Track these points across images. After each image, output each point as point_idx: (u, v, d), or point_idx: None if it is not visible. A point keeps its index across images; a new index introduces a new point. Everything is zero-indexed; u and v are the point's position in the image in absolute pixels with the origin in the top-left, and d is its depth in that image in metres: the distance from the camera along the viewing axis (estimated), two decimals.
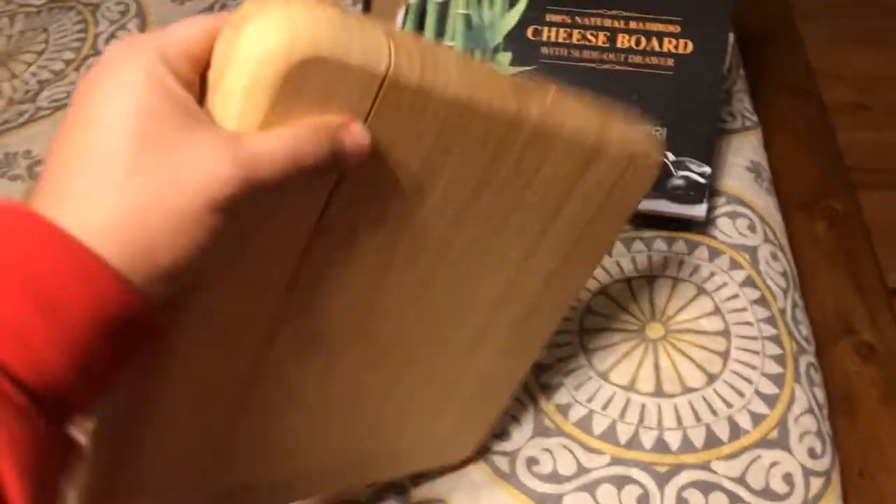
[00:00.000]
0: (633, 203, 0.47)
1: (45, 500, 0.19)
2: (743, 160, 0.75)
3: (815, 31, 1.29)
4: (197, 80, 0.25)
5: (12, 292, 0.19)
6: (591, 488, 0.55)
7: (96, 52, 0.94)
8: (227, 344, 0.31)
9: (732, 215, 0.70)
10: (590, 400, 0.59)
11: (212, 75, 0.25)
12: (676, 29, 0.66)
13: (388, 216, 0.32)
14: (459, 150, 0.32)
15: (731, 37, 0.67)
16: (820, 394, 0.61)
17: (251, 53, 0.24)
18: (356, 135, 0.26)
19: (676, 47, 0.66)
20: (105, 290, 0.21)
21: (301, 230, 0.29)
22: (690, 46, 0.66)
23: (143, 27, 0.97)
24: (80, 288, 0.20)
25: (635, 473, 0.55)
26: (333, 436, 0.41)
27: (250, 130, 0.24)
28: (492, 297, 0.43)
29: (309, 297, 0.32)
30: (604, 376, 0.60)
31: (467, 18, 0.70)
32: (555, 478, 0.56)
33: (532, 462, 0.56)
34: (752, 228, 0.70)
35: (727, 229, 0.69)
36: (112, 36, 0.96)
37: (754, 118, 0.81)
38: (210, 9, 0.97)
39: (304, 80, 0.24)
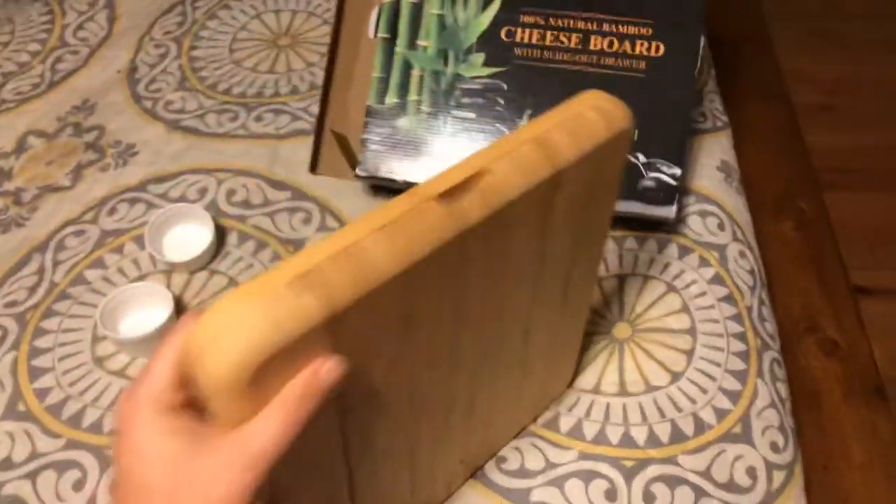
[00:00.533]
0: (615, 174, 0.47)
1: None
2: (713, 160, 0.76)
3: (784, 35, 1.31)
4: (190, 392, 0.29)
5: None
6: (559, 483, 0.56)
7: (63, 44, 0.93)
8: None
9: (702, 214, 0.72)
10: (556, 404, 0.60)
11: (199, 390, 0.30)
12: (648, 32, 0.67)
13: (393, 376, 0.39)
14: (426, 294, 0.37)
15: (703, 40, 0.68)
16: (783, 389, 0.63)
17: (216, 384, 0.29)
18: (329, 372, 0.30)
19: (649, 50, 0.67)
20: None
21: (328, 436, 0.37)
22: (662, 49, 0.67)
23: (111, 19, 0.96)
24: None
25: (603, 468, 0.56)
26: (458, 449, 0.51)
27: (247, 414, 0.29)
28: (522, 309, 0.46)
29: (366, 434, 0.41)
30: (570, 384, 0.61)
31: (441, 19, 0.70)
32: (523, 473, 0.56)
33: (501, 460, 0.57)
34: (721, 227, 0.71)
35: (697, 227, 0.70)
36: (80, 27, 0.95)
37: (725, 118, 0.83)
38: (181, 2, 0.96)
39: (267, 372, 0.29)
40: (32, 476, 0.56)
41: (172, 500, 0.26)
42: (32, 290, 0.68)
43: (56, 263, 0.70)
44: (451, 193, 0.36)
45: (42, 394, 0.61)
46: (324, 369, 0.30)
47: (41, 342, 0.64)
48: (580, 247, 0.47)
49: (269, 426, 0.28)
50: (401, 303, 0.35)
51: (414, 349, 0.39)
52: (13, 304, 0.67)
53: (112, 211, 0.74)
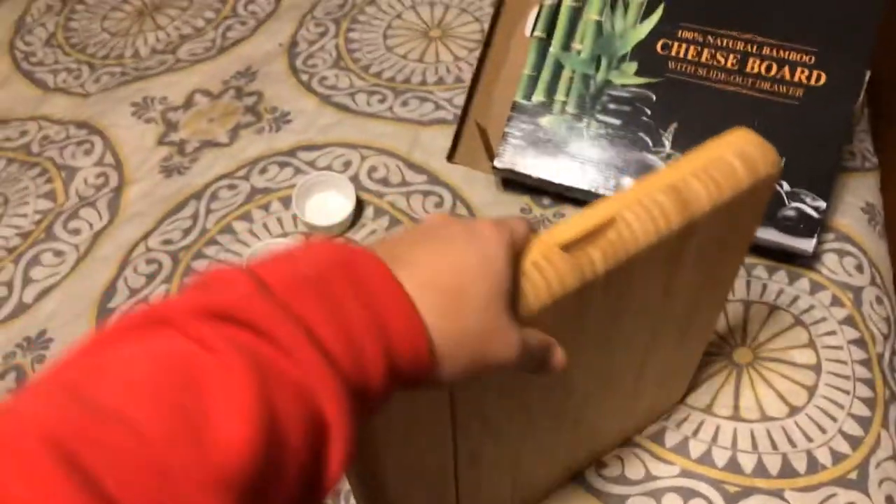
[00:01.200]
0: (753, 220, 0.45)
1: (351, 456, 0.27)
2: (858, 200, 0.74)
3: None
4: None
5: (368, 326, 0.28)
6: (657, 495, 0.56)
7: (235, 15, 1.00)
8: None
9: (841, 253, 0.69)
10: (665, 418, 0.60)
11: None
12: (811, 59, 0.66)
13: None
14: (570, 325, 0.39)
15: (868, 74, 0.66)
16: None
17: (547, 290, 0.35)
18: (560, 357, 0.36)
19: (808, 78, 0.66)
20: (422, 358, 0.29)
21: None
22: (823, 79, 0.66)
23: None
24: (406, 337, 0.29)
25: (703, 488, 0.56)
26: (562, 459, 0.54)
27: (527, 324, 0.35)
28: (639, 347, 0.47)
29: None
30: (682, 399, 0.61)
31: (599, 25, 0.71)
32: (622, 480, 0.57)
33: (601, 465, 0.58)
34: (859, 269, 0.68)
35: (833, 266, 0.68)
36: (250, 1, 1.02)
37: (875, 160, 0.79)
38: None
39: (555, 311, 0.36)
40: None
41: (478, 310, 0.31)
42: (187, 232, 0.74)
43: (209, 212, 0.76)
44: (578, 243, 0.36)
45: None
46: (558, 354, 0.36)
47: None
48: (706, 291, 0.46)
49: (532, 340, 0.34)
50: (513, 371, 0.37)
51: (526, 380, 0.40)
52: (169, 242, 0.73)
53: (263, 171, 0.79)
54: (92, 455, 0.21)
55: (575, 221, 0.36)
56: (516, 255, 0.34)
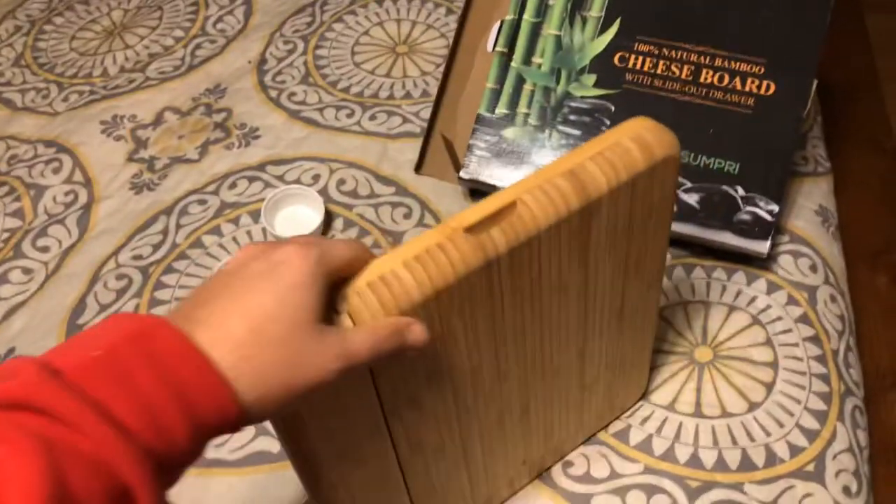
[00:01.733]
0: (664, 200, 0.47)
1: None
2: (812, 203, 0.76)
3: (894, 93, 1.29)
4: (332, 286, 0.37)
5: (164, 395, 0.29)
6: (621, 493, 0.57)
7: (204, 33, 1.01)
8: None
9: (795, 254, 0.72)
10: (629, 416, 0.61)
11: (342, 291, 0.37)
12: (761, 70, 0.69)
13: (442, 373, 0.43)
14: (458, 315, 0.41)
15: (815, 83, 0.68)
16: (863, 437, 0.62)
17: (364, 305, 0.37)
18: (418, 333, 0.37)
19: (759, 88, 0.69)
20: (227, 408, 0.31)
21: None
22: (773, 88, 0.68)
23: (248, 14, 1.04)
24: (209, 400, 0.30)
25: (667, 484, 0.57)
26: (518, 452, 0.55)
27: (350, 322, 0.36)
28: (571, 328, 0.49)
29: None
30: (645, 396, 0.62)
31: (558, 39, 0.73)
32: (587, 479, 0.58)
33: (567, 464, 0.59)
34: (813, 269, 0.71)
35: (788, 267, 0.71)
36: (219, 19, 1.03)
37: (827, 164, 0.82)
38: (311, 4, 1.03)
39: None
40: None
41: (282, 341, 0.32)
42: (157, 247, 0.75)
43: (179, 227, 0.77)
44: (480, 226, 0.39)
45: None
46: (416, 328, 0.37)
47: (161, 294, 0.70)
48: (632, 272, 0.49)
49: (364, 340, 0.35)
50: (434, 323, 0.39)
51: (450, 363, 0.42)
52: (139, 257, 0.74)
53: (232, 185, 0.80)
54: None
55: (478, 206, 0.39)
56: (326, 272, 0.35)
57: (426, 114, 0.86)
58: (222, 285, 0.33)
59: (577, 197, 0.41)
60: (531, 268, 0.42)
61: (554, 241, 0.41)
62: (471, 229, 0.39)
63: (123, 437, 0.27)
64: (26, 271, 0.74)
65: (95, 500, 0.26)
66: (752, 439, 0.60)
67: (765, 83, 0.69)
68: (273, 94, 0.91)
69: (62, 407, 0.27)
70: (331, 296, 0.36)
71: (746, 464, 0.58)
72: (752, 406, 0.61)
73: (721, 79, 0.70)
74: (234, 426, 0.31)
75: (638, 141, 0.43)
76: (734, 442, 0.59)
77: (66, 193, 0.82)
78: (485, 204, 0.40)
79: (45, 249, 0.76)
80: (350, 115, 0.88)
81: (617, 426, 0.61)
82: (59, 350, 0.30)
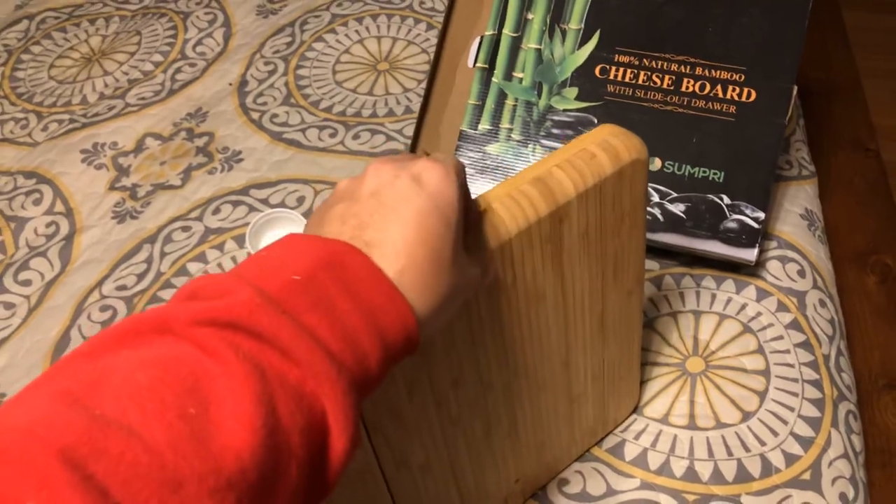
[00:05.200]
0: (634, 204, 0.47)
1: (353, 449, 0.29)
2: (797, 208, 0.76)
3: (877, 91, 1.29)
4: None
5: (362, 322, 0.30)
6: None
7: (184, 57, 1.00)
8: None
9: (783, 259, 0.72)
10: (623, 430, 0.61)
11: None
12: (741, 78, 0.69)
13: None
14: None
15: (795, 89, 0.69)
16: (858, 442, 0.62)
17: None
18: (493, 273, 0.41)
19: (740, 95, 0.69)
20: (412, 334, 0.31)
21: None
22: (753, 95, 0.68)
23: (227, 36, 1.03)
24: (398, 326, 0.31)
25: (663, 499, 0.57)
26: (509, 469, 0.54)
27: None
28: (552, 337, 0.49)
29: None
30: (638, 410, 0.62)
31: (538, 53, 0.73)
32: (583, 497, 0.57)
33: (563, 482, 0.58)
34: (801, 274, 0.71)
35: (777, 272, 0.71)
36: (199, 42, 1.03)
37: (811, 168, 0.83)
38: (291, 24, 1.03)
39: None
40: None
41: (449, 262, 0.33)
42: (141, 276, 0.74)
43: (163, 255, 0.76)
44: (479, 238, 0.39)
45: None
46: (492, 270, 0.40)
47: None
48: (610, 278, 0.49)
49: (476, 269, 0.37)
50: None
51: (430, 373, 0.42)
52: (123, 287, 0.73)
53: (216, 210, 0.80)
54: (102, 467, 0.21)
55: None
56: (463, 188, 0.35)
57: (410, 131, 0.86)
58: (377, 204, 0.33)
59: (546, 203, 0.41)
60: (505, 275, 0.42)
61: (526, 248, 0.42)
62: None
63: (334, 366, 0.27)
64: (8, 306, 0.73)
65: (297, 432, 0.26)
66: (747, 449, 0.59)
67: (745, 90, 0.69)
68: (255, 116, 0.91)
69: (279, 332, 0.27)
70: None
71: (743, 475, 0.58)
72: (746, 416, 0.61)
73: (702, 87, 0.70)
74: (413, 350, 0.32)
75: (604, 146, 0.43)
76: (729, 453, 0.59)
77: (48, 225, 0.81)
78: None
79: (26, 283, 0.75)
80: (333, 135, 0.87)
81: (611, 441, 0.60)
82: (255, 270, 0.29)
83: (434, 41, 0.97)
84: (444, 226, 0.33)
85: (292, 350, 0.27)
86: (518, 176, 0.42)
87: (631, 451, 0.60)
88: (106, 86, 0.98)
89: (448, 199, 0.33)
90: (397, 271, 0.31)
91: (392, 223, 0.32)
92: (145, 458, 0.22)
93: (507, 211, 0.41)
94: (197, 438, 0.23)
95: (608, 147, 0.43)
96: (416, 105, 0.89)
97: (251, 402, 0.25)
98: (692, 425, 0.61)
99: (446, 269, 0.33)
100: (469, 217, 0.37)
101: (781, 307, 0.68)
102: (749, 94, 0.69)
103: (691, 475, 0.58)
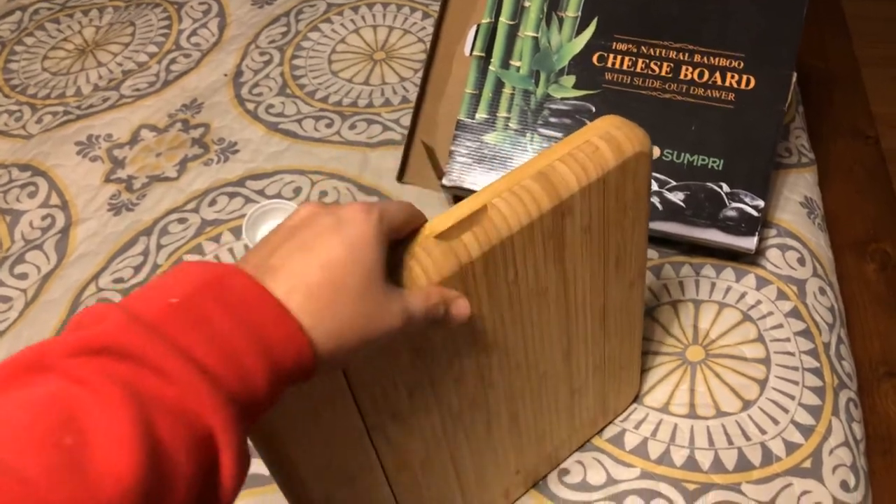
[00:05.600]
0: (637, 196, 0.46)
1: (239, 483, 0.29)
2: (797, 195, 0.76)
3: (876, 79, 1.29)
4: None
5: (244, 340, 0.29)
6: (619, 499, 0.56)
7: (178, 48, 1.00)
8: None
9: (783, 247, 0.71)
10: (623, 420, 0.61)
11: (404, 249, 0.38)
12: (740, 65, 0.68)
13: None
14: None
15: (794, 76, 0.68)
16: (858, 429, 0.62)
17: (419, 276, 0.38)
18: (462, 307, 0.39)
19: (739, 82, 0.68)
20: (304, 355, 0.31)
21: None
22: (753, 82, 0.68)
23: (222, 27, 1.02)
24: (287, 344, 0.30)
25: (664, 488, 0.57)
26: (510, 461, 0.54)
27: (408, 285, 0.37)
28: (553, 331, 0.48)
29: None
30: (639, 399, 0.62)
31: (535, 41, 0.72)
32: (584, 487, 0.57)
33: (563, 472, 0.58)
34: (801, 262, 0.71)
35: (777, 261, 0.70)
36: (193, 33, 1.02)
37: (811, 155, 0.82)
38: (286, 14, 1.02)
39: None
40: None
41: (357, 295, 0.33)
42: (137, 269, 0.73)
43: (160, 247, 0.75)
44: (451, 231, 0.38)
45: None
46: (461, 303, 0.39)
47: None
48: (612, 270, 0.48)
49: (419, 303, 0.37)
50: (407, 336, 0.38)
51: (431, 374, 0.42)
52: (120, 280, 0.73)
53: (212, 202, 0.79)
54: None
55: (449, 213, 0.39)
56: (388, 231, 0.35)
57: (406, 120, 0.85)
58: (290, 235, 0.33)
59: (549, 198, 0.41)
60: (507, 272, 0.41)
61: (528, 244, 0.41)
62: (442, 236, 0.38)
63: (209, 382, 0.27)
64: (5, 300, 0.73)
65: (181, 449, 0.26)
66: (747, 438, 0.59)
67: (744, 77, 0.68)
68: (250, 106, 0.90)
69: (149, 352, 0.27)
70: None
71: (743, 463, 0.58)
72: (747, 404, 0.61)
73: (701, 75, 0.69)
74: (309, 373, 0.31)
75: (607, 139, 0.43)
76: (730, 442, 0.59)
77: (43, 217, 0.80)
78: (455, 210, 0.39)
79: (23, 276, 0.75)
80: (329, 125, 0.87)
81: (611, 431, 0.60)
82: (135, 297, 0.29)
83: (430, 30, 0.96)
84: (348, 255, 0.33)
85: (166, 369, 0.26)
86: (519, 170, 0.41)
87: (631, 440, 0.59)
88: (100, 77, 0.97)
89: (363, 237, 0.34)
90: (285, 292, 0.31)
91: (297, 251, 0.32)
92: (19, 488, 0.22)
93: (508, 206, 0.40)
94: (74, 467, 0.23)
95: (611, 139, 0.42)
96: (413, 95, 0.88)
97: (128, 424, 0.24)
98: (692, 414, 0.60)
99: (349, 297, 0.32)
100: (395, 255, 0.37)
101: (781, 295, 0.68)
102: (748, 82, 0.68)
103: (692, 464, 0.58)
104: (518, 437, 0.52)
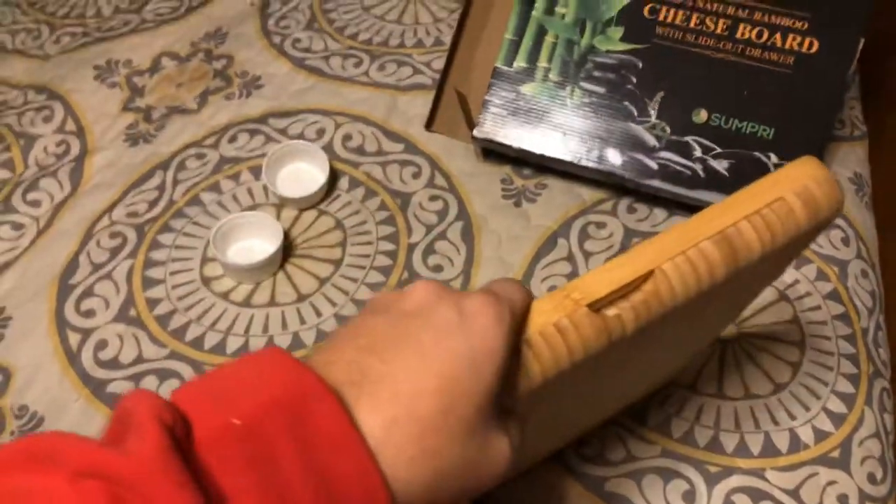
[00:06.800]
0: (796, 254, 0.41)
1: None
2: (847, 171, 0.72)
3: None
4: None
5: (310, 486, 0.22)
6: (637, 476, 0.55)
7: None
8: None
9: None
10: (649, 397, 0.58)
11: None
12: (804, 26, 0.63)
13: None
14: (566, 381, 0.35)
15: (861, 42, 0.63)
16: (889, 421, 0.59)
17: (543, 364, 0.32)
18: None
19: (801, 45, 0.63)
20: (367, 475, 0.24)
21: None
22: (816, 46, 0.63)
23: None
24: (348, 473, 0.23)
25: (684, 469, 0.55)
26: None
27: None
28: (658, 363, 0.47)
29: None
30: None
31: None
32: (602, 460, 0.55)
33: (581, 444, 0.56)
34: (845, 242, 0.67)
35: (820, 239, 0.67)
36: None
37: (864, 128, 0.78)
38: None
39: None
40: (136, 379, 0.60)
41: (462, 419, 0.26)
42: (153, 204, 0.71)
43: (176, 182, 0.73)
44: (608, 301, 0.32)
45: (153, 303, 0.64)
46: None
47: (156, 254, 0.67)
48: (727, 313, 0.46)
49: (517, 430, 0.30)
50: (541, 395, 0.33)
51: (542, 413, 0.38)
52: (134, 214, 0.70)
53: (232, 139, 0.76)
54: None
55: (607, 274, 0.32)
56: (515, 337, 0.29)
57: (439, 64, 0.81)
58: (400, 324, 0.26)
59: (726, 267, 0.34)
60: (651, 336, 0.36)
61: (684, 310, 0.35)
62: (596, 305, 0.32)
63: None
64: (16, 227, 0.71)
65: None
66: (776, 423, 0.57)
67: (807, 40, 0.64)
68: (276, 40, 0.86)
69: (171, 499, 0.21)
70: None
71: (769, 449, 0.55)
72: (778, 388, 0.58)
73: (760, 35, 0.64)
74: None
75: (804, 197, 0.35)
76: (757, 426, 0.57)
77: (58, 144, 0.78)
78: (615, 269, 0.32)
79: (35, 204, 0.72)
80: (358, 65, 0.82)
81: (636, 405, 0.58)
82: (196, 401, 0.24)
83: None
84: (473, 380, 0.26)
85: None
86: (697, 223, 0.34)
87: (655, 416, 0.57)
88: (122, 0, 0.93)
89: (490, 350, 0.26)
90: (384, 425, 0.24)
91: (407, 356, 0.25)
92: None
93: (679, 276, 0.33)
94: None
95: (809, 199, 0.35)
96: (447, 37, 0.83)
97: None
98: (720, 394, 0.58)
99: (458, 438, 0.25)
100: (513, 370, 0.29)
101: (821, 276, 0.65)
102: (811, 45, 0.63)
103: (715, 445, 0.56)
104: (570, 424, 0.50)
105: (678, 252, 0.33)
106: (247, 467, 0.22)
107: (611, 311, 0.32)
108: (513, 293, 0.30)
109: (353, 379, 0.24)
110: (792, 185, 0.35)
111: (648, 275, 0.32)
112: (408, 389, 0.24)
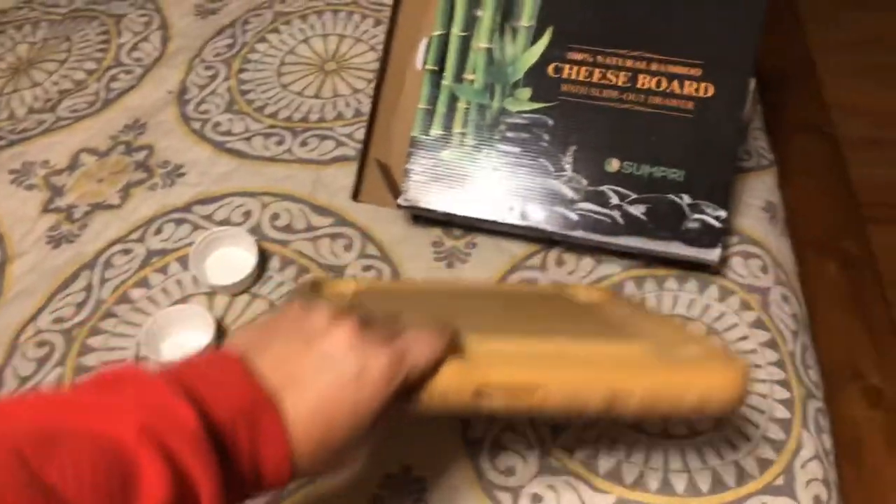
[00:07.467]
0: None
1: None
2: (758, 200, 0.75)
3: (830, 68, 1.30)
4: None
5: (249, 464, 0.36)
6: None
7: (118, 64, 0.95)
8: None
9: (745, 256, 0.71)
10: (596, 440, 0.59)
11: None
12: (698, 72, 0.67)
13: None
14: None
15: (753, 82, 0.67)
16: (827, 440, 0.61)
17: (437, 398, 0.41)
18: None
19: (697, 90, 0.67)
20: (283, 480, 0.37)
21: None
22: (712, 90, 0.67)
23: (165, 40, 0.98)
24: (275, 479, 0.37)
25: None
26: None
27: None
28: None
29: None
30: None
31: (489, 53, 0.70)
32: None
33: (536, 499, 0.56)
34: (764, 270, 0.70)
35: (740, 269, 0.69)
36: (134, 47, 0.97)
37: (770, 157, 0.82)
38: (231, 25, 0.98)
39: None
40: None
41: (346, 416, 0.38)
42: (80, 306, 0.69)
43: (103, 281, 0.71)
44: (492, 389, 0.39)
45: None
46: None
47: (87, 360, 0.65)
48: None
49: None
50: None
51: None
52: (61, 320, 0.69)
53: (158, 230, 0.75)
54: None
55: (508, 370, 0.40)
56: (404, 388, 0.38)
57: (360, 134, 0.82)
58: (314, 360, 0.37)
59: (604, 411, 0.40)
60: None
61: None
62: (485, 389, 0.39)
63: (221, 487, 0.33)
64: None
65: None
66: (720, 457, 0.58)
67: (703, 85, 0.67)
68: (196, 125, 0.86)
69: (203, 462, 0.33)
70: None
71: (718, 485, 0.57)
72: (719, 423, 0.60)
73: (659, 83, 0.68)
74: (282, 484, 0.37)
75: (702, 399, 0.41)
76: (704, 462, 0.58)
77: None
78: (517, 369, 0.40)
79: None
80: (280, 143, 0.83)
81: (584, 452, 0.59)
82: (209, 399, 0.34)
83: (383, 38, 0.93)
84: (352, 421, 0.37)
85: (205, 470, 0.33)
86: (603, 358, 0.42)
87: (605, 463, 0.58)
88: (35, 98, 0.92)
89: (370, 407, 0.37)
90: (299, 428, 0.36)
91: (316, 380, 0.37)
92: None
93: (560, 396, 0.40)
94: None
95: (705, 402, 0.41)
96: (367, 107, 0.85)
97: (164, 493, 0.31)
98: (665, 434, 0.59)
99: (344, 433, 0.37)
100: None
101: (745, 306, 0.67)
102: (707, 90, 0.67)
103: (667, 488, 0.56)
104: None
105: (572, 379, 0.40)
106: (233, 444, 0.35)
107: (492, 393, 0.39)
108: (422, 354, 0.39)
109: (277, 390, 0.36)
110: (701, 385, 0.40)
111: (538, 385, 0.39)
112: (304, 401, 0.37)
